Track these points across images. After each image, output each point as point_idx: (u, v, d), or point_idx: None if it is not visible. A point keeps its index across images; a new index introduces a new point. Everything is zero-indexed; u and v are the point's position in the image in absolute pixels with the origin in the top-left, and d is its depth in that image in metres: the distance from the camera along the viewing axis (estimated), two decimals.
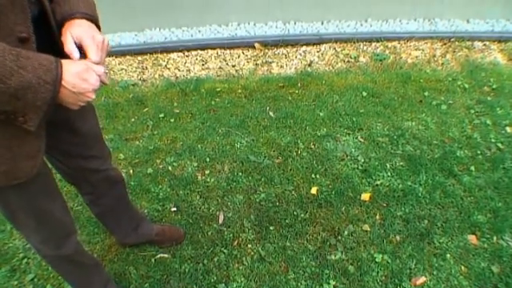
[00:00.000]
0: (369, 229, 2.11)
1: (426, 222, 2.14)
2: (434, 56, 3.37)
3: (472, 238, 2.07)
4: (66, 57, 1.03)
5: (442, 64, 3.30)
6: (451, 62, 3.32)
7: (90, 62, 1.03)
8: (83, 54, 1.04)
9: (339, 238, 2.07)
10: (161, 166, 2.47)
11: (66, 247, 1.46)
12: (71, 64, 0.99)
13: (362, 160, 2.44)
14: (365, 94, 2.94)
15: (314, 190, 2.27)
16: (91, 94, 1.02)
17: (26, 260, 2.01)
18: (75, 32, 1.05)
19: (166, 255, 2.01)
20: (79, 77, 0.99)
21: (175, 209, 2.22)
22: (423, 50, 3.44)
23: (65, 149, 1.41)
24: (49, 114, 0.98)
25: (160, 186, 2.34)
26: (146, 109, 2.89)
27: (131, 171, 2.43)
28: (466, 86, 3.04)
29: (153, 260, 1.99)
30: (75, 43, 1.05)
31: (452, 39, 3.52)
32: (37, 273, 1.96)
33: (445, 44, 3.50)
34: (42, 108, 0.95)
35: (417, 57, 3.37)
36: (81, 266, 1.62)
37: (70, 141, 1.39)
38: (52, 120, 1.10)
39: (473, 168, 2.40)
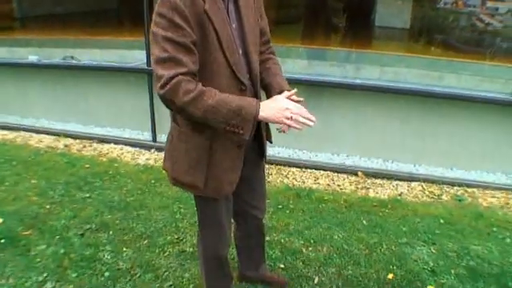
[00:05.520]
0: None
1: None
2: (508, 203, 4.00)
3: None
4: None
5: None
6: None
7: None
8: None
9: None
10: (275, 239, 3.33)
11: (224, 252, 2.30)
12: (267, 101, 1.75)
13: (432, 264, 3.08)
14: (442, 221, 3.64)
15: (390, 276, 2.94)
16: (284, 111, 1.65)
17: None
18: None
19: None
20: (272, 103, 1.71)
21: (283, 266, 3.02)
22: (498, 198, 4.09)
23: (240, 194, 2.20)
24: (254, 129, 1.66)
25: (273, 251, 3.18)
26: (268, 200, 3.84)
27: None
28: None
29: None
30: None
31: None
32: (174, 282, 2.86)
33: None
34: (251, 121, 1.61)
35: (492, 202, 4.02)
36: (223, 273, 2.43)
37: (246, 190, 2.23)
38: (244, 175, 1.99)
39: None
